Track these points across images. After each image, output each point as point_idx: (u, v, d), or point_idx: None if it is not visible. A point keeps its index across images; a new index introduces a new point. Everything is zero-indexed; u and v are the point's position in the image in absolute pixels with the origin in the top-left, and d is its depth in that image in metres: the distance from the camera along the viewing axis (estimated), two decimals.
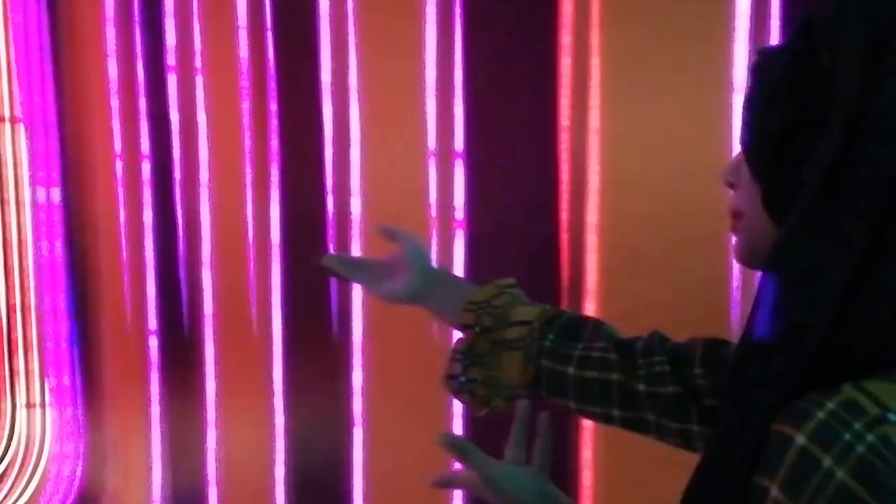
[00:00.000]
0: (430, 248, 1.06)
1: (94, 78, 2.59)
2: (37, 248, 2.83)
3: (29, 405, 2.96)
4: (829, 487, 0.50)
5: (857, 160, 0.54)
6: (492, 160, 2.02)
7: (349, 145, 2.17)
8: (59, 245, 2.79)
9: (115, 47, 2.45)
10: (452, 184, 2.04)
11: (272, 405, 2.39)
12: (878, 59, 0.55)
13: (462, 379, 0.97)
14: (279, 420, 2.38)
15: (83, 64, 2.62)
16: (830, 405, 0.51)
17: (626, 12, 1.78)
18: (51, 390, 2.87)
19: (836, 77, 0.57)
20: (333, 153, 2.18)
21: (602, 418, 0.94)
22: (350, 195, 2.18)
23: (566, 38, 1.80)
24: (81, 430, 2.84)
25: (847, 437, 0.50)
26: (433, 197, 2.06)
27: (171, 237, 2.47)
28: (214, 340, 2.49)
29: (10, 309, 2.96)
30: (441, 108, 2.03)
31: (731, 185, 0.69)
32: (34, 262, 2.86)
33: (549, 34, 1.84)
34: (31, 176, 2.83)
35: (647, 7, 1.77)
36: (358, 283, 1.06)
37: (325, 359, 2.28)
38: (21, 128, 2.87)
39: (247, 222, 2.35)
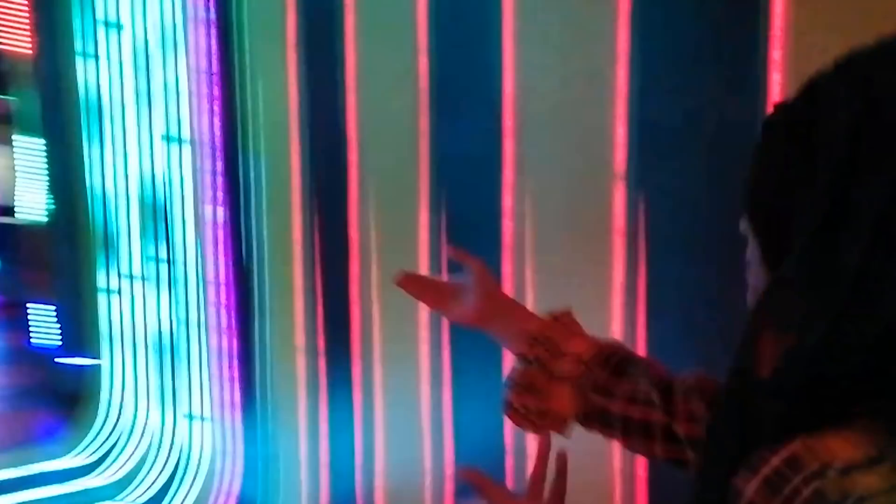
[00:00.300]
0: (498, 274, 1.08)
1: (264, 100, 2.66)
2: (205, 265, 2.93)
3: (192, 417, 3.05)
4: None
5: (851, 200, 0.55)
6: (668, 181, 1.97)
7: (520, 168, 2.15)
8: (227, 262, 2.88)
9: (295, 70, 2.52)
10: (636, 205, 2.00)
11: (441, 423, 2.39)
12: (868, 117, 0.56)
13: (516, 407, 1.02)
14: (449, 443, 2.37)
15: (254, 87, 2.70)
16: (775, 460, 0.55)
17: None
18: (214, 403, 2.95)
19: (828, 135, 0.58)
20: (513, 176, 2.17)
21: (646, 454, 0.98)
22: (526, 218, 2.16)
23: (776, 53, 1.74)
24: (242, 444, 2.91)
25: (787, 491, 0.54)
26: (619, 221, 2.02)
27: (344, 257, 2.51)
28: (381, 360, 2.51)
29: (178, 323, 3.07)
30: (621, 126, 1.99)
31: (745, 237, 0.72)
32: (202, 279, 2.95)
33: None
34: (198, 195, 2.93)
35: None
36: (425, 303, 1.10)
37: (495, 377, 2.26)
38: (189, 148, 2.98)
39: (418, 243, 2.36)
